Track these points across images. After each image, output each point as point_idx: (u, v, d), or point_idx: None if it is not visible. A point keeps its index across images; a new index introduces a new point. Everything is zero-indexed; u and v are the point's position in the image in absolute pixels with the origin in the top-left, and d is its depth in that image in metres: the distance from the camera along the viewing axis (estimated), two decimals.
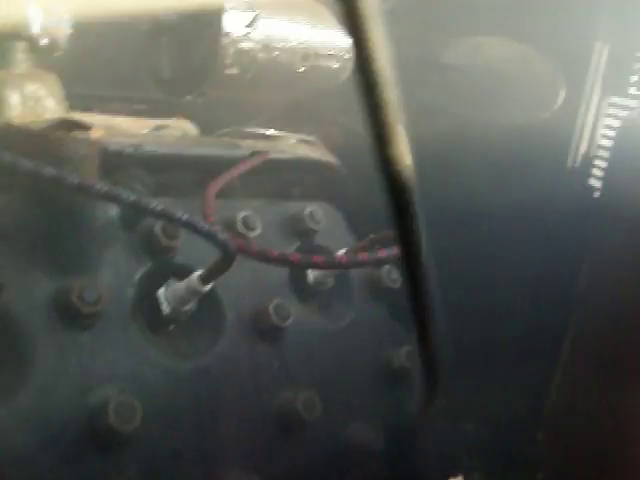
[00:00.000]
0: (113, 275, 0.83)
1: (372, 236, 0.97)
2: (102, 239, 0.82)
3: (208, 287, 0.82)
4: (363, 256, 0.76)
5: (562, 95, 1.27)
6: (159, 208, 0.67)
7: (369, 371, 1.03)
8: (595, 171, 1.34)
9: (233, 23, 1.08)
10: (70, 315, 0.76)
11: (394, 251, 0.78)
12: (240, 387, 0.89)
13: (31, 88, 0.93)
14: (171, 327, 0.88)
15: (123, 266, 0.84)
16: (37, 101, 0.94)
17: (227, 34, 1.07)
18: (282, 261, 0.76)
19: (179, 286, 0.84)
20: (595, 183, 1.33)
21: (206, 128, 1.20)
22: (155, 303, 0.85)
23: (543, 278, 1.28)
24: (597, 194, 1.31)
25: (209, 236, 0.71)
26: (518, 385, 1.26)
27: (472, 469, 1.24)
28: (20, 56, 0.94)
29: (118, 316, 0.81)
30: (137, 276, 0.85)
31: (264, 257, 0.77)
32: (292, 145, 1.15)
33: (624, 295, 1.07)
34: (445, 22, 1.41)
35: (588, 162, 1.33)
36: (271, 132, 1.14)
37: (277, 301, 0.93)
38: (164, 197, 0.86)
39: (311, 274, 1.01)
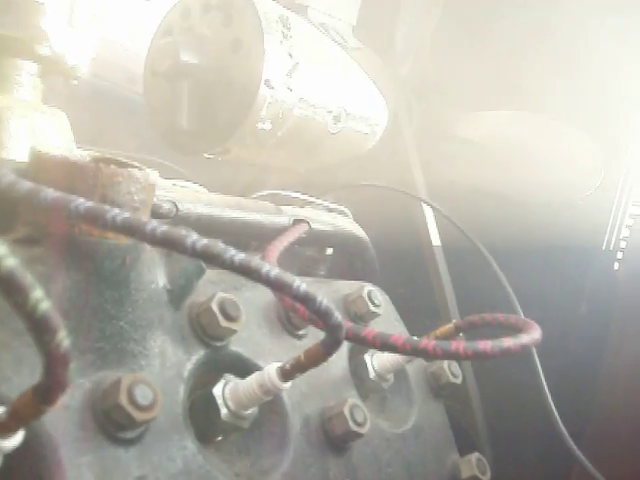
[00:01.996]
0: (160, 368, 0.61)
1: (455, 322, 0.81)
2: (147, 317, 0.61)
3: (289, 385, 0.62)
4: (507, 343, 0.59)
5: (601, 176, 1.19)
6: (273, 273, 0.48)
7: None
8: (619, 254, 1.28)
9: (272, 69, 0.93)
10: (115, 423, 0.53)
11: (534, 336, 0.62)
12: None
13: (39, 121, 0.72)
14: (226, 437, 0.65)
15: (170, 355, 0.62)
16: (45, 137, 0.72)
17: (267, 81, 0.91)
18: (410, 350, 0.57)
19: (244, 384, 0.62)
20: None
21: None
22: (209, 405, 0.63)
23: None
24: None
25: (324, 314, 0.52)
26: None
27: None
28: (27, 80, 0.73)
29: (170, 424, 0.59)
30: (187, 369, 0.63)
31: (384, 345, 0.58)
32: (330, 215, 0.98)
33: None
34: (460, 96, 1.33)
35: (617, 245, 1.26)
36: (307, 198, 0.97)
37: (352, 402, 0.73)
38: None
39: (373, 369, 0.82)
